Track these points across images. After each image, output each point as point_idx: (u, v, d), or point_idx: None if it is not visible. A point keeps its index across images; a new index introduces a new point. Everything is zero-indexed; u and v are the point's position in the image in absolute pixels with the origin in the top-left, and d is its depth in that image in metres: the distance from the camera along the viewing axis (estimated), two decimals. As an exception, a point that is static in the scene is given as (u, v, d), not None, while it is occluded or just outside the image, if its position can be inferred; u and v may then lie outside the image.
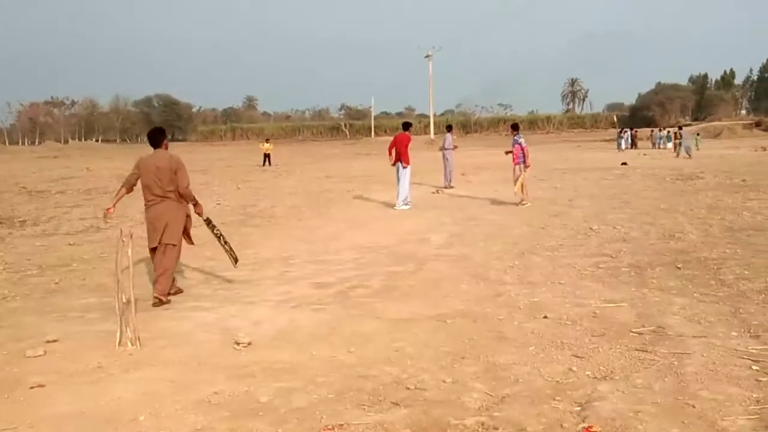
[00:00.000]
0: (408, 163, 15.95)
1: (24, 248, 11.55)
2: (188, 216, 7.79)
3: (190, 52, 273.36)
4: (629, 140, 49.02)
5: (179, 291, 7.85)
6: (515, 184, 15.75)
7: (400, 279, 8.41)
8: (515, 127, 17.08)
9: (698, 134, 45.43)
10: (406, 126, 16.99)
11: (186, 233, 7.80)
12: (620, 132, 50.03)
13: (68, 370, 5.34)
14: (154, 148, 7.68)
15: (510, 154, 16.26)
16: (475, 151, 48.08)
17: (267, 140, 42.94)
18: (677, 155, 35.28)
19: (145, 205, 7.59)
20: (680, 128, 39.99)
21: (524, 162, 15.61)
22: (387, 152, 16.91)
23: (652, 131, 54.43)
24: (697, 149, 37.64)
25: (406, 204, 15.84)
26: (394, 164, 16.17)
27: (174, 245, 7.52)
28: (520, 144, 15.90)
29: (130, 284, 5.97)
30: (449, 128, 23.05)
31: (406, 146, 16.11)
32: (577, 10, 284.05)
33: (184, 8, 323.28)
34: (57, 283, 8.75)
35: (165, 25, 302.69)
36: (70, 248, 11.45)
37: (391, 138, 17.03)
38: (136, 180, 7.60)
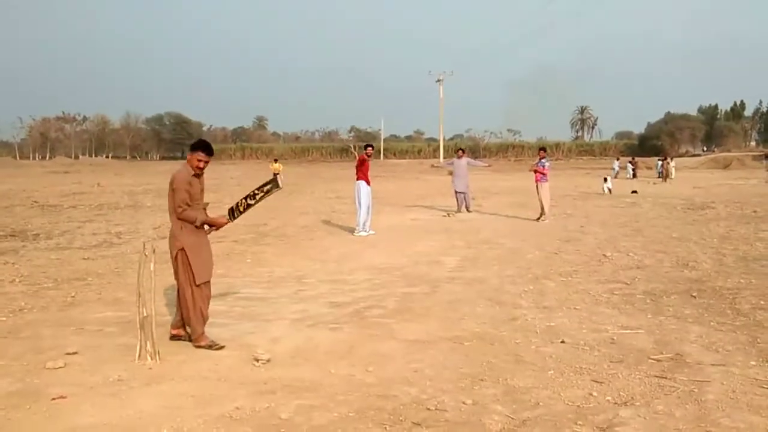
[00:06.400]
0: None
1: (39, 261, 11.61)
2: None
3: (202, 71, 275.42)
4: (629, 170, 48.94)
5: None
6: (545, 201, 17.96)
7: (414, 300, 8.43)
8: (544, 150, 19.71)
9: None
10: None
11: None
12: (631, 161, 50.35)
13: (89, 383, 5.37)
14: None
15: (534, 173, 18.66)
16: (485, 175, 48.14)
17: (276, 160, 43.22)
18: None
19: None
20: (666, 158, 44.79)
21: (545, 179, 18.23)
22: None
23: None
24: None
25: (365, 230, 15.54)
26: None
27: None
28: (544, 165, 18.46)
29: (151, 299, 6.01)
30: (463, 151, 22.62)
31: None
32: (586, 43, 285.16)
33: (196, 28, 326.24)
34: (73, 296, 8.79)
35: (177, 44, 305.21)
36: (84, 262, 11.49)
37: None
38: None
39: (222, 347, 6.33)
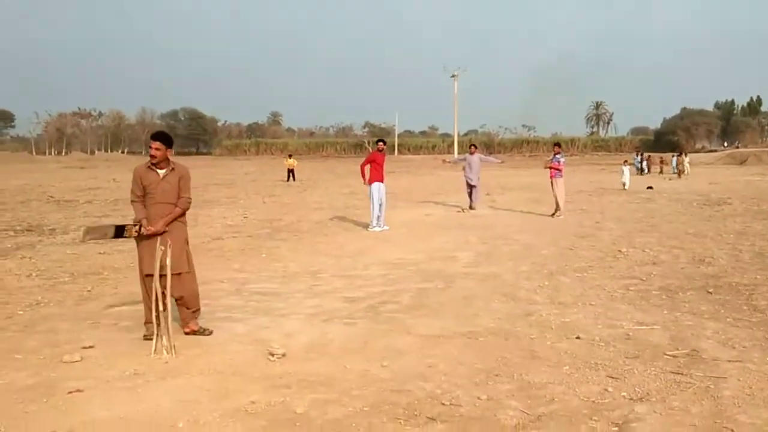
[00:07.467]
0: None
1: (55, 256, 11.70)
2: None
3: (217, 66, 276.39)
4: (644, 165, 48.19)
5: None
6: (560, 197, 18.00)
7: (429, 296, 8.42)
8: (559, 145, 19.44)
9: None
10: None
11: None
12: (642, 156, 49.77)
13: (105, 376, 5.40)
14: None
15: (549, 169, 18.63)
16: (499, 171, 48.06)
17: (290, 156, 43.27)
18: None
19: None
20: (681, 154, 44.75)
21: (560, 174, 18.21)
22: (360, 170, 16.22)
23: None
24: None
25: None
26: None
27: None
28: (560, 161, 18.39)
29: (168, 293, 6.04)
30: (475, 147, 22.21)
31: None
32: (602, 38, 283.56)
33: (211, 23, 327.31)
34: (89, 290, 8.85)
35: (192, 39, 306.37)
36: (100, 257, 11.56)
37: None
38: None
39: (150, 338, 6.13)
